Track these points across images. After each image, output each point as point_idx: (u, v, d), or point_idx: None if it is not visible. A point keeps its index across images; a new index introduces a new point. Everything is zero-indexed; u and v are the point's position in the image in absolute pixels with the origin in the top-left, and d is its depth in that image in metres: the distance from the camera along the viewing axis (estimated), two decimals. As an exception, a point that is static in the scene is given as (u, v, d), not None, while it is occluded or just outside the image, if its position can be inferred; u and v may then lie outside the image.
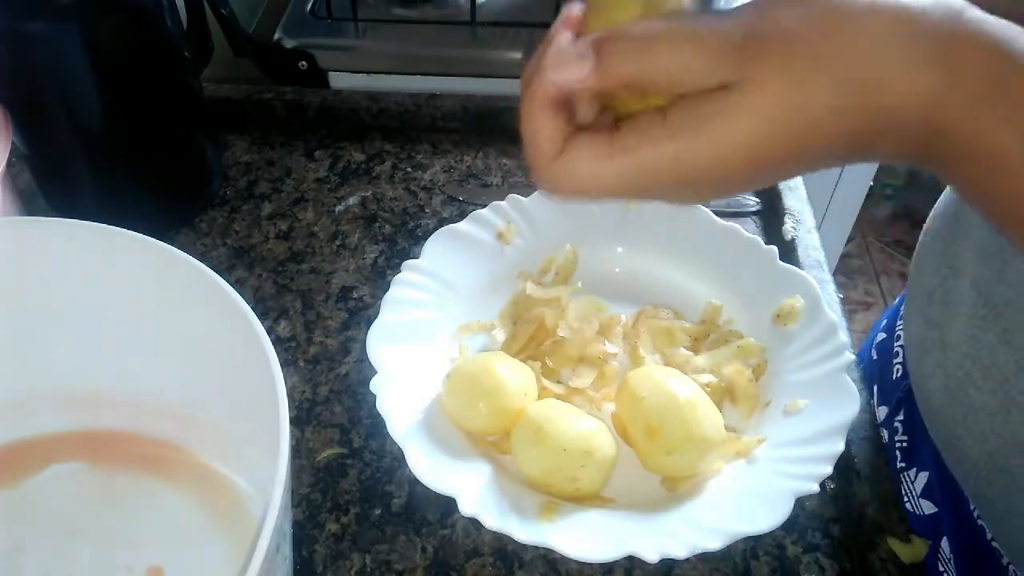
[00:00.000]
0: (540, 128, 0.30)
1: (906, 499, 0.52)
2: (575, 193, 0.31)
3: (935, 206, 0.53)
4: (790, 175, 0.31)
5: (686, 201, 0.32)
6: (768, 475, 0.46)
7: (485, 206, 0.60)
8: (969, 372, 0.45)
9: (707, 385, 0.51)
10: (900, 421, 0.55)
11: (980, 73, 0.26)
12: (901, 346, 0.57)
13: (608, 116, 0.32)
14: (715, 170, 0.28)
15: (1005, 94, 0.26)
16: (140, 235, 0.39)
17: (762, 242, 0.58)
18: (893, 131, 0.28)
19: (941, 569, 0.49)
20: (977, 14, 0.27)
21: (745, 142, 0.28)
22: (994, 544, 0.46)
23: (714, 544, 0.42)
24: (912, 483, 0.52)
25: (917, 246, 0.54)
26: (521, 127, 0.31)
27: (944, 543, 0.49)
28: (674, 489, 0.47)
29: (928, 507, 0.51)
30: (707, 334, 0.55)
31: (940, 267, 0.49)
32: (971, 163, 0.28)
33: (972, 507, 0.47)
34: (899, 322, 0.59)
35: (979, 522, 0.47)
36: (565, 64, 0.29)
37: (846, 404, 0.47)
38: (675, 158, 0.28)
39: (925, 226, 0.53)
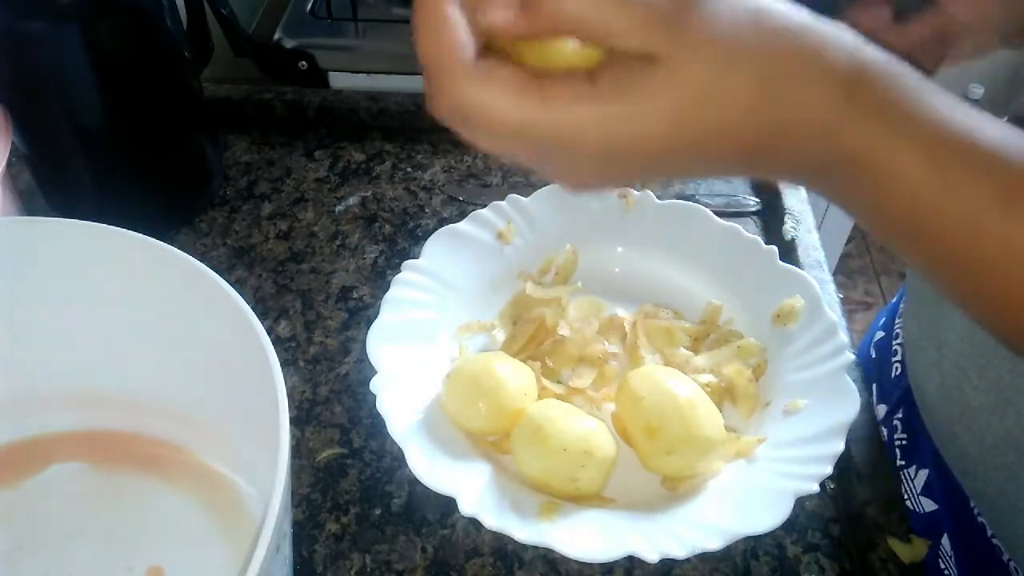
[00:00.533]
0: (450, 30, 0.26)
1: (906, 497, 0.52)
2: (480, 127, 0.28)
3: None
4: (709, 168, 0.31)
5: (595, 178, 0.30)
6: (768, 475, 0.46)
7: (485, 206, 0.60)
8: (965, 371, 0.45)
9: (707, 385, 0.51)
10: (899, 419, 0.55)
11: (878, 100, 0.28)
12: (900, 344, 0.57)
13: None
14: (637, 140, 0.28)
15: (901, 118, 0.28)
16: (140, 235, 0.39)
17: (762, 242, 0.58)
18: (796, 140, 0.29)
19: (942, 566, 0.49)
20: (871, 52, 0.28)
21: (667, 115, 0.27)
22: (994, 541, 0.46)
23: (714, 544, 0.42)
24: (912, 481, 0.52)
25: None
26: (417, 32, 0.27)
27: (945, 540, 0.49)
28: (674, 489, 0.47)
29: (928, 505, 0.51)
30: (707, 334, 0.55)
31: None
32: (870, 186, 0.29)
33: (972, 504, 0.47)
34: (898, 320, 0.59)
35: (979, 519, 0.47)
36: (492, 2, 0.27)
37: (846, 404, 0.48)
38: (600, 120, 0.27)
39: None
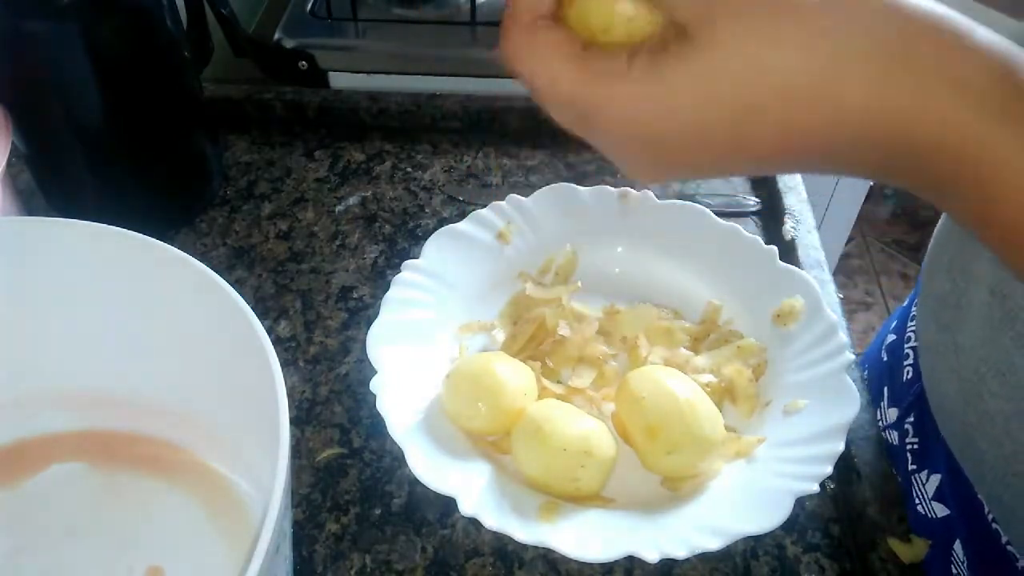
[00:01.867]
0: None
1: (917, 502, 0.52)
2: (526, 75, 0.28)
3: None
4: (741, 165, 0.28)
5: (640, 164, 0.29)
6: (768, 475, 0.46)
7: (485, 206, 0.60)
8: (984, 377, 0.45)
9: (707, 385, 0.51)
10: (911, 423, 0.55)
11: (983, 87, 0.24)
12: (912, 348, 0.57)
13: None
14: (662, 122, 0.26)
15: (1009, 112, 0.24)
16: (140, 235, 0.39)
17: (762, 242, 0.58)
18: (874, 133, 0.25)
19: (955, 572, 0.49)
20: (962, 23, 0.24)
21: (689, 93, 0.25)
22: (1009, 548, 0.46)
23: (714, 544, 0.42)
24: (924, 486, 0.52)
25: (928, 250, 0.53)
26: None
27: (957, 546, 0.49)
28: (674, 489, 0.47)
29: (941, 510, 0.51)
30: (707, 334, 0.55)
31: (952, 271, 0.49)
32: (970, 183, 0.25)
33: (987, 510, 0.47)
34: (910, 323, 0.58)
35: (994, 526, 0.46)
36: None
37: (846, 404, 0.47)
38: (629, 100, 0.26)
39: (936, 230, 0.53)
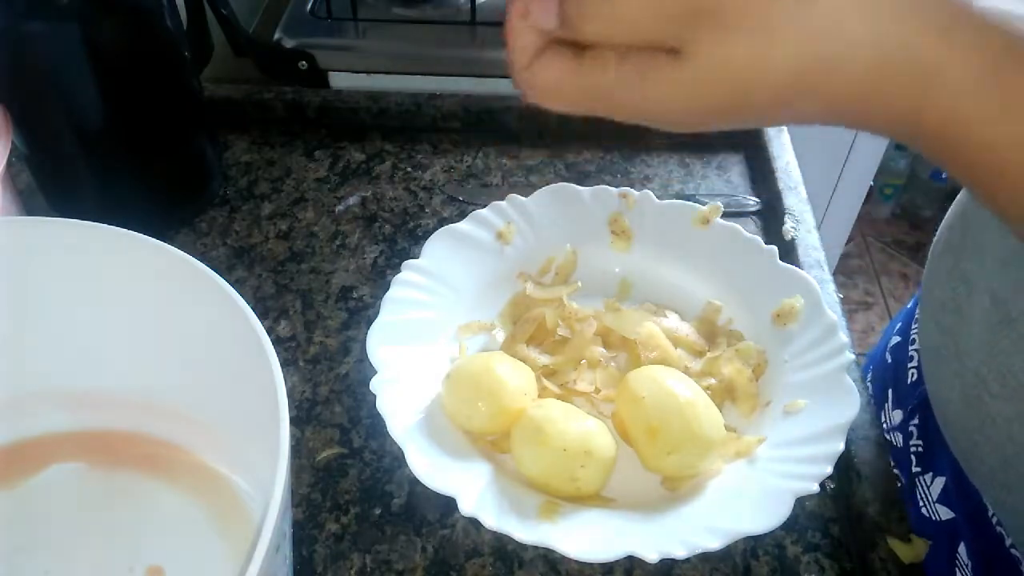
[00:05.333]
0: (516, 37, 0.32)
1: (922, 504, 0.52)
2: (542, 100, 0.33)
3: (947, 216, 0.53)
4: (744, 123, 0.33)
5: (647, 123, 0.34)
6: (768, 475, 0.46)
7: (485, 206, 0.60)
8: (985, 380, 0.45)
9: (707, 387, 0.51)
10: (915, 425, 0.55)
11: (977, 58, 0.26)
12: (916, 350, 0.57)
13: None
14: (658, 116, 0.31)
15: (1002, 85, 0.26)
16: (140, 235, 0.39)
17: (762, 242, 0.58)
18: (875, 105, 0.28)
19: (959, 575, 0.49)
20: None
21: (687, 105, 0.30)
22: (1013, 551, 0.46)
23: (714, 544, 0.42)
24: (928, 488, 0.52)
25: (929, 255, 0.53)
26: (505, 34, 0.33)
27: (962, 548, 0.49)
28: (674, 489, 0.47)
29: (945, 513, 0.51)
30: (707, 334, 0.55)
31: (953, 277, 0.49)
32: (962, 154, 0.28)
33: (991, 513, 0.47)
34: (914, 326, 0.58)
35: (998, 529, 0.46)
36: (538, 13, 0.31)
37: (846, 404, 0.47)
38: (622, 102, 0.31)
39: (937, 236, 0.53)
